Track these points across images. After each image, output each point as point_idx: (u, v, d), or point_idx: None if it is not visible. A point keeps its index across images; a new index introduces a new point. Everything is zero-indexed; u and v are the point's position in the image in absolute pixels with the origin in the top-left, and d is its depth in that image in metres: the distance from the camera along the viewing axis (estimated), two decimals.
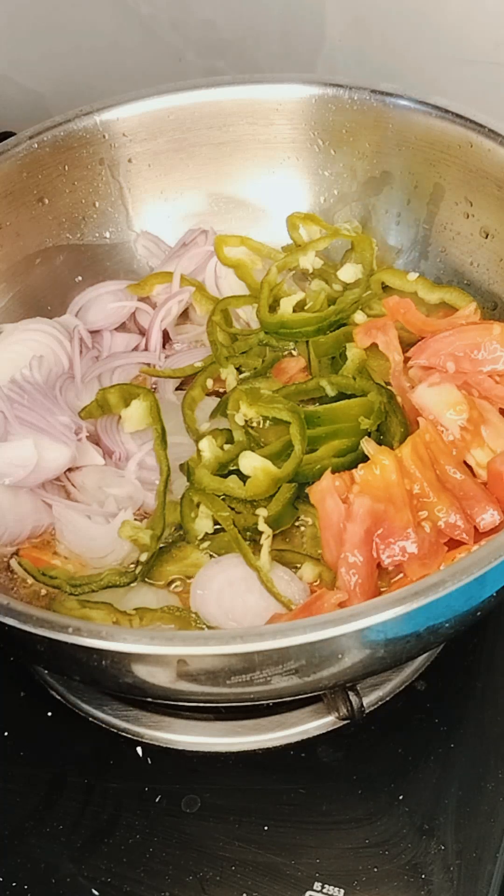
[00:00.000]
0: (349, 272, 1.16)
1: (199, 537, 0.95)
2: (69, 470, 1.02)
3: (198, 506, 0.96)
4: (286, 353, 1.11)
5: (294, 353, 1.11)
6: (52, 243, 1.18)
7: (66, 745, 0.97)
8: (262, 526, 0.94)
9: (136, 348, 1.16)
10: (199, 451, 0.99)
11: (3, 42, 1.64)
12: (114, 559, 0.97)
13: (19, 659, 1.02)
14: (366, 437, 0.97)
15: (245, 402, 1.00)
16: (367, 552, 0.89)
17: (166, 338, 1.17)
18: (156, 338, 1.14)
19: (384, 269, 1.16)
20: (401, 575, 0.92)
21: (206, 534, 0.95)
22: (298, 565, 0.94)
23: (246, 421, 1.01)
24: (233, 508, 0.96)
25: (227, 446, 1.00)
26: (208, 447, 0.99)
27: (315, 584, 0.93)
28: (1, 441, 0.99)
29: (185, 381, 1.12)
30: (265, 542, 0.93)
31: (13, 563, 0.98)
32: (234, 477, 0.97)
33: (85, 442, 1.02)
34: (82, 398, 1.07)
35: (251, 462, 0.96)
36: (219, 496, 0.96)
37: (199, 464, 0.98)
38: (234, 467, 0.98)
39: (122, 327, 1.18)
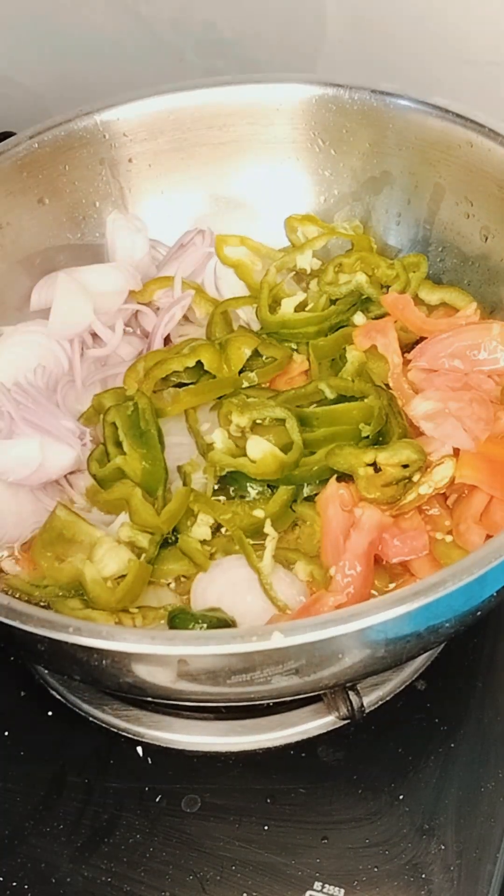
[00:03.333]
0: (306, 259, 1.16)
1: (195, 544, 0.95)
2: (69, 473, 1.02)
3: (195, 514, 0.96)
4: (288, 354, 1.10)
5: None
6: (52, 243, 1.18)
7: (66, 745, 0.97)
8: (267, 528, 0.94)
9: (139, 353, 1.16)
10: (211, 443, 0.99)
11: (3, 42, 1.64)
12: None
13: (19, 659, 1.02)
14: None
15: (236, 412, 1.00)
16: (366, 563, 0.89)
17: (167, 339, 1.17)
18: (158, 343, 1.14)
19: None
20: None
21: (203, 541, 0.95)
22: (292, 564, 0.94)
23: (242, 431, 1.01)
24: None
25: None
26: (221, 438, 0.99)
27: (308, 581, 0.93)
28: (6, 440, 0.99)
29: None
30: (269, 544, 0.93)
31: (6, 564, 0.99)
32: (244, 458, 0.97)
33: (88, 445, 1.02)
34: (83, 402, 1.07)
35: (259, 446, 0.96)
36: (218, 500, 0.97)
37: (209, 450, 0.98)
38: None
39: (126, 332, 1.18)
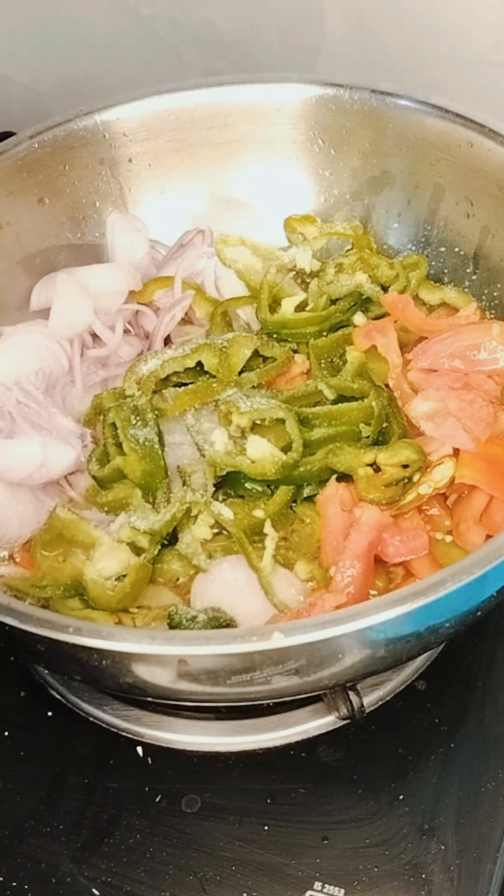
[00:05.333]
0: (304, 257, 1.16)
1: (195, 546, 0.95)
2: (69, 473, 1.02)
3: (195, 516, 0.95)
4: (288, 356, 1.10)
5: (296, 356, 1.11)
6: (52, 243, 1.18)
7: (66, 745, 0.97)
8: (267, 529, 0.94)
9: (139, 353, 1.16)
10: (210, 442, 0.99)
11: (3, 42, 1.64)
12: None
13: (19, 659, 1.02)
14: None
15: (236, 412, 1.00)
16: (366, 563, 0.89)
17: (167, 339, 1.17)
18: (158, 344, 1.14)
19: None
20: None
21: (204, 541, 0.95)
22: (292, 564, 0.94)
23: (242, 431, 1.01)
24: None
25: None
26: (220, 438, 0.99)
27: (308, 581, 0.93)
28: (7, 439, 0.99)
29: None
30: (269, 544, 0.93)
31: (6, 563, 0.98)
32: (243, 458, 0.97)
33: (89, 446, 1.02)
34: (84, 403, 1.07)
35: (259, 446, 0.96)
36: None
37: (209, 450, 0.98)
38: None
39: (126, 332, 1.18)
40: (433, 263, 1.17)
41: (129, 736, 0.96)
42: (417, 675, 0.99)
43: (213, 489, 0.97)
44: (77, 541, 0.95)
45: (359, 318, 1.11)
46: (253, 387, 1.05)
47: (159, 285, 1.17)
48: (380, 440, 0.99)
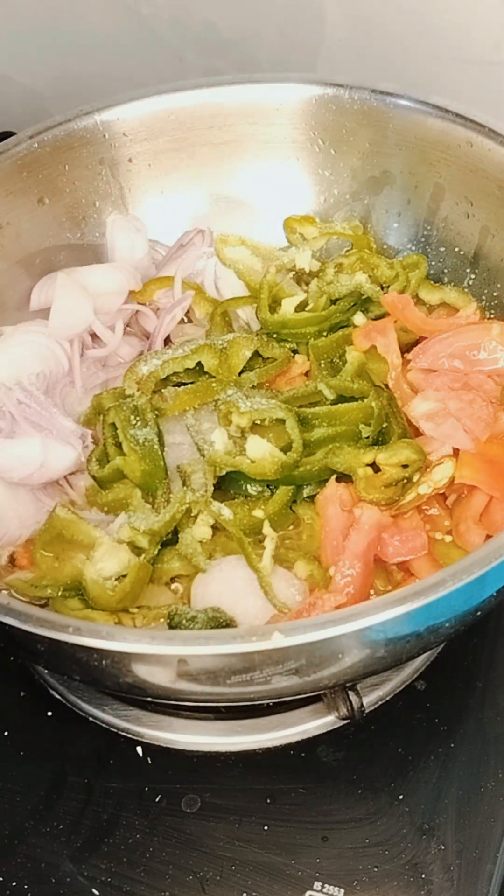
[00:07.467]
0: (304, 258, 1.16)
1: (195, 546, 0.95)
2: (69, 473, 1.02)
3: (195, 516, 0.95)
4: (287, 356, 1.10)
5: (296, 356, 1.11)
6: (52, 243, 1.18)
7: (66, 745, 0.97)
8: (266, 530, 0.94)
9: (139, 353, 1.16)
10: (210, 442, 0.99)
11: (3, 41, 1.64)
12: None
13: (19, 659, 1.02)
14: None
15: (235, 412, 1.00)
16: (365, 563, 0.89)
17: (167, 339, 1.17)
18: (159, 344, 1.14)
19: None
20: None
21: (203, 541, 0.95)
22: (292, 564, 0.94)
23: (242, 431, 1.01)
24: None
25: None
26: (220, 438, 0.99)
27: (307, 581, 0.93)
28: (8, 438, 0.99)
29: None
30: (269, 544, 0.93)
31: (6, 564, 0.99)
32: (243, 458, 0.97)
33: (90, 446, 1.02)
34: (84, 403, 1.08)
35: (259, 446, 0.96)
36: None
37: (209, 450, 0.98)
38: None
39: (126, 332, 1.18)
40: (433, 263, 1.17)
41: (129, 736, 0.96)
42: (417, 675, 0.99)
43: (213, 489, 0.97)
44: (77, 541, 0.95)
45: (359, 318, 1.11)
46: (253, 387, 1.05)
47: (159, 285, 1.17)
48: (379, 440, 0.99)
